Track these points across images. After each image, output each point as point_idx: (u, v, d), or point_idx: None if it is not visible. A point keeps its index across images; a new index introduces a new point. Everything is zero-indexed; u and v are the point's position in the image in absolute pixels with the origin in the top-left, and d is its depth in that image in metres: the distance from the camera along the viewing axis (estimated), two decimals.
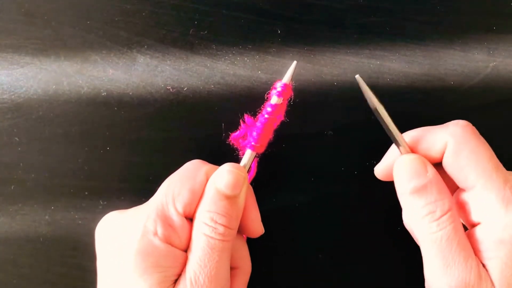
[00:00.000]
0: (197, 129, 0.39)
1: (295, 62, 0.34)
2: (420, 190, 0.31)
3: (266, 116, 0.34)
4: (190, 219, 0.33)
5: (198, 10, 0.39)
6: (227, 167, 0.33)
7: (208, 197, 0.32)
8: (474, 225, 0.31)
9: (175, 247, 0.31)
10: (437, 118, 0.39)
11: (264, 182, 0.38)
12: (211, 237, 0.31)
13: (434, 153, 0.32)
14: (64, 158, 0.39)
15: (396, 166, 0.32)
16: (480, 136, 0.32)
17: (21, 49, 0.39)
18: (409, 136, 0.34)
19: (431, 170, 0.31)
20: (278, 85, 0.34)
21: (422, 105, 0.39)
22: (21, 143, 0.39)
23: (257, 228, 0.36)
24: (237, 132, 0.36)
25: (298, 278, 0.39)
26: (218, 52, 0.39)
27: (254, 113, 0.36)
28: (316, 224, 0.39)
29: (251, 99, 0.39)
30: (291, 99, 0.35)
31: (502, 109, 0.39)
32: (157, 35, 0.39)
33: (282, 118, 0.35)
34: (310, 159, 0.39)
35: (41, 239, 0.39)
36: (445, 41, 0.39)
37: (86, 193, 0.39)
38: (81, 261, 0.39)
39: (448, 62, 0.39)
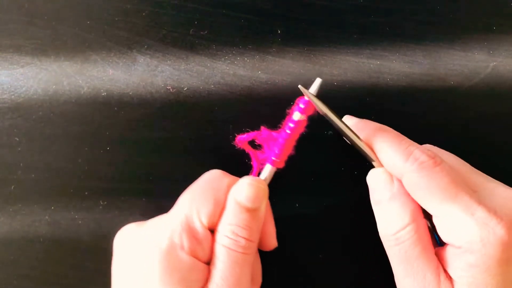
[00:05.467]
0: (197, 129, 0.39)
1: (319, 79, 0.33)
2: (382, 202, 0.32)
3: (288, 131, 0.34)
4: (212, 230, 0.32)
5: (198, 10, 0.39)
6: (247, 180, 0.33)
7: (229, 210, 0.32)
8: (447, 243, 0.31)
9: (200, 260, 0.31)
10: (437, 118, 0.39)
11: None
12: (233, 250, 0.31)
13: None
14: (64, 158, 0.39)
15: (367, 178, 0.34)
16: (438, 164, 0.31)
17: (21, 49, 0.39)
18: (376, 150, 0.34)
19: (396, 184, 0.32)
20: (301, 102, 0.33)
21: (422, 105, 0.39)
22: (21, 143, 0.39)
23: (271, 241, 0.36)
24: (245, 135, 0.35)
25: (298, 278, 0.39)
26: (218, 52, 0.39)
27: (254, 113, 0.37)
28: (316, 224, 0.39)
29: (251, 99, 0.39)
30: (314, 116, 0.34)
31: (502, 109, 0.39)
32: (157, 35, 0.39)
33: (303, 131, 0.34)
34: (310, 159, 0.39)
35: (41, 239, 0.39)
36: (445, 41, 0.39)
37: (86, 193, 0.39)
38: (81, 261, 0.39)
39: (448, 62, 0.39)
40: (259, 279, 0.36)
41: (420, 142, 0.37)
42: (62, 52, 0.39)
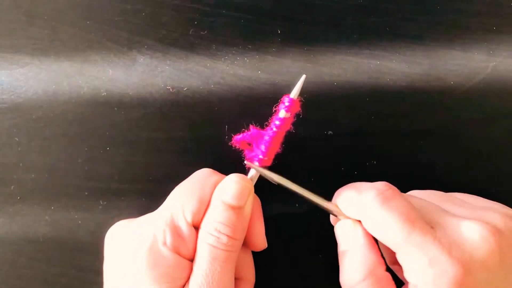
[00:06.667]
0: (197, 129, 0.39)
1: (304, 76, 0.34)
2: (344, 254, 0.32)
3: (274, 129, 0.34)
4: (197, 228, 0.32)
5: (198, 10, 0.39)
6: (233, 177, 0.33)
7: (213, 207, 0.32)
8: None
9: (183, 257, 0.31)
10: (437, 118, 0.39)
11: (264, 183, 0.38)
12: (215, 247, 0.31)
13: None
14: (64, 158, 0.39)
15: (335, 229, 0.34)
16: (395, 197, 0.30)
17: (21, 49, 0.39)
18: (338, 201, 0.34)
19: (359, 237, 0.31)
20: (286, 100, 0.34)
21: (422, 105, 0.39)
22: (21, 143, 0.39)
23: (260, 242, 0.35)
24: (240, 135, 0.36)
25: (298, 278, 0.39)
26: (218, 52, 0.39)
27: (254, 113, 0.36)
28: (316, 224, 0.39)
29: (251, 99, 0.39)
30: (299, 114, 0.34)
31: (502, 109, 0.39)
32: (157, 35, 0.39)
33: (289, 129, 0.35)
34: (310, 159, 0.39)
35: (41, 239, 0.39)
36: (445, 41, 0.39)
37: (86, 193, 0.39)
38: (80, 261, 0.39)
39: (448, 62, 0.39)
40: (251, 277, 0.36)
41: (420, 141, 0.37)
42: (62, 52, 0.39)
